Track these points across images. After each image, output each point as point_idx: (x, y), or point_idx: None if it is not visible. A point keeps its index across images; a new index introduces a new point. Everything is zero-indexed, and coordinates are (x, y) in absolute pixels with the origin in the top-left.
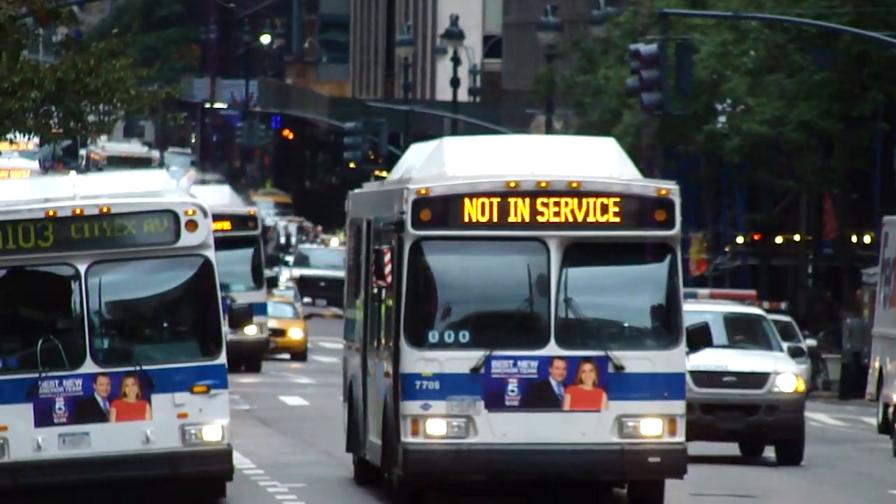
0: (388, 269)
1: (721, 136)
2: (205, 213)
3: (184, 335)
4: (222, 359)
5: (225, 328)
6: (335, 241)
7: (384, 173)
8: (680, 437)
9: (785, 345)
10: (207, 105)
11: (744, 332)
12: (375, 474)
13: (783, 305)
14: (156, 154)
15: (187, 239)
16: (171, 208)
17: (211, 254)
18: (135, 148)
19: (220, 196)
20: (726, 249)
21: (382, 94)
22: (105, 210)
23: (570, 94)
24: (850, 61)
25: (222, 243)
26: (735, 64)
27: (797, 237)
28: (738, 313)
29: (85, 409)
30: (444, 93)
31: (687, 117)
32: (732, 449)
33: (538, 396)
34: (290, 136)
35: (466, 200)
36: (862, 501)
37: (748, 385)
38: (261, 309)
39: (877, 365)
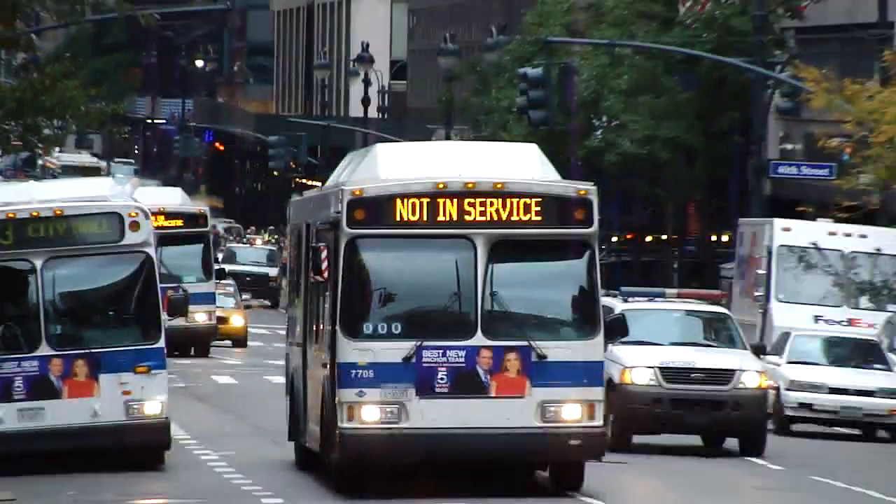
0: (324, 265)
1: (600, 151)
2: (146, 215)
3: (127, 322)
4: (161, 343)
5: (164, 315)
6: (259, 240)
7: (304, 180)
8: (598, 422)
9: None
10: (149, 120)
11: (709, 330)
12: (315, 460)
13: None
14: (104, 164)
15: (131, 238)
16: (116, 211)
17: (152, 251)
18: (85, 158)
19: (173, 196)
20: (602, 247)
21: (302, 110)
22: (59, 212)
23: (467, 111)
24: (710, 84)
25: (175, 239)
26: (611, 85)
27: (665, 237)
28: (704, 311)
29: (40, 387)
30: (356, 110)
31: (568, 133)
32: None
33: (466, 384)
34: (221, 148)
35: (398, 200)
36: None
37: (715, 381)
38: (210, 298)
39: None
